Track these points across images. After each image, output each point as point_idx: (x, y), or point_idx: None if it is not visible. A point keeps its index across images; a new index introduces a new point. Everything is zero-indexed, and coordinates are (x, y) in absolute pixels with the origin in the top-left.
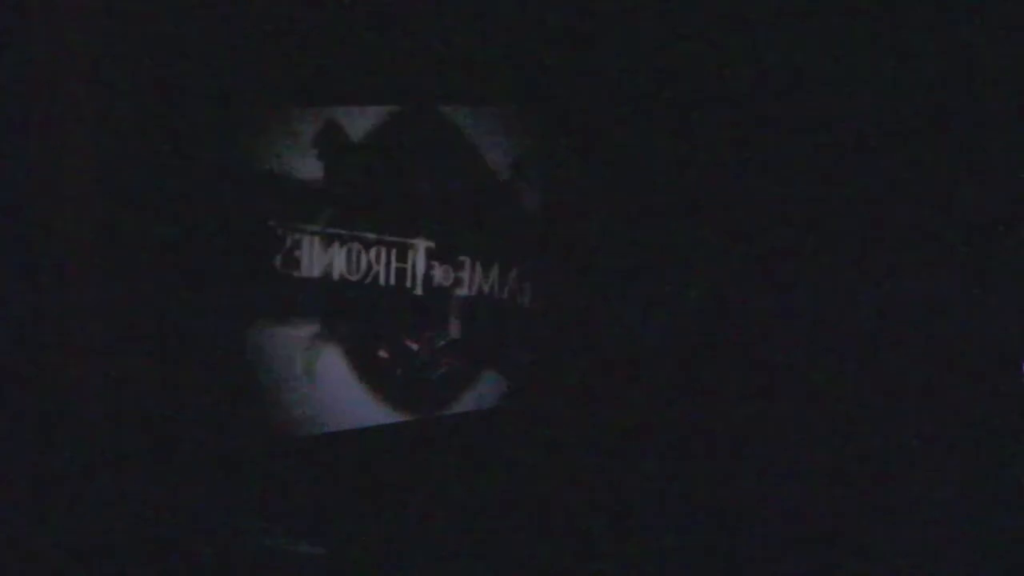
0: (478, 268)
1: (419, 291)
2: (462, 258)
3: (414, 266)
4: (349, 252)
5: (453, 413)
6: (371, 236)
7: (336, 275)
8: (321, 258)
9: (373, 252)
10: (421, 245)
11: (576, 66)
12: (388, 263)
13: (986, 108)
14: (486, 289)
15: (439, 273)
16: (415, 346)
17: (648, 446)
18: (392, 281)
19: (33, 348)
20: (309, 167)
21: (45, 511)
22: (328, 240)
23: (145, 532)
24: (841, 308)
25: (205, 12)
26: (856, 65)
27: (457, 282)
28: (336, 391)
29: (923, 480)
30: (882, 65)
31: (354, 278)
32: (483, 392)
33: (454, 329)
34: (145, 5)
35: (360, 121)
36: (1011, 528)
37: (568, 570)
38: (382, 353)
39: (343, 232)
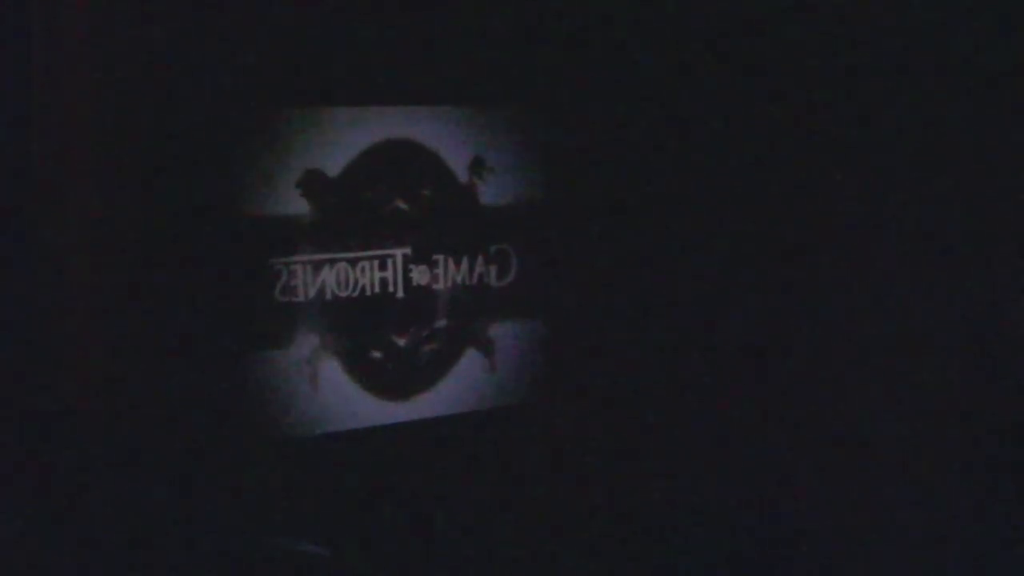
0: (450, 262)
1: (401, 293)
2: (436, 256)
3: (395, 272)
4: (338, 272)
5: (452, 414)
6: (355, 255)
7: (329, 294)
8: (314, 282)
9: (358, 268)
10: (399, 253)
11: (531, 66)
12: (372, 274)
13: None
14: (459, 279)
15: (417, 274)
16: (402, 341)
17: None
18: (377, 289)
19: (33, 349)
20: (295, 205)
21: (45, 511)
22: (318, 265)
23: (146, 532)
24: (841, 308)
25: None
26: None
27: (433, 278)
28: (336, 394)
29: (923, 481)
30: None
31: (344, 294)
32: (466, 367)
33: (435, 319)
34: (145, 5)
35: (337, 160)
36: (1012, 528)
37: (569, 570)
38: (375, 354)
39: (331, 256)
